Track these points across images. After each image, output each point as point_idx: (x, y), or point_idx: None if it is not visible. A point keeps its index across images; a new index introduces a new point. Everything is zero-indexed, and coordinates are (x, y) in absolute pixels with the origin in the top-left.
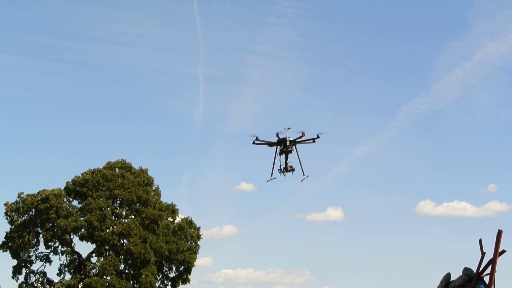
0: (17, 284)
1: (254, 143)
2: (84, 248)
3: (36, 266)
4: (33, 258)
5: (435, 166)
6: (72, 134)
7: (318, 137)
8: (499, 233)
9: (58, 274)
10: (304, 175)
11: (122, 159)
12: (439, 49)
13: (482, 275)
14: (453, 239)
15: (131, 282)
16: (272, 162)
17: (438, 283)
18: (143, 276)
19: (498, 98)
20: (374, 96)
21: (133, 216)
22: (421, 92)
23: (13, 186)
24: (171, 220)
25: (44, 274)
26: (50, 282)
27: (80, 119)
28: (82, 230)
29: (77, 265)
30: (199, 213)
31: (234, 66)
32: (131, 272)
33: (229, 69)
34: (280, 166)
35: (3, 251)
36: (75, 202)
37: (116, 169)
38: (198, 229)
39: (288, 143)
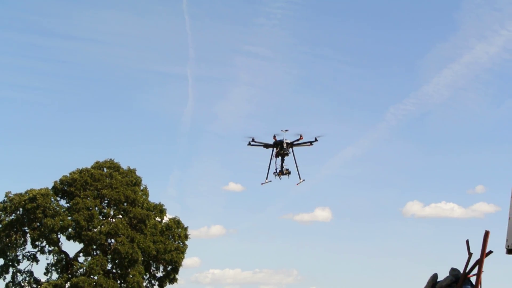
0: (4, 284)
1: (250, 144)
2: (71, 247)
3: (23, 265)
4: (20, 257)
5: (423, 167)
6: (59, 133)
7: (316, 140)
8: (486, 234)
9: (45, 274)
10: (300, 178)
11: (110, 159)
12: (427, 51)
13: (469, 276)
14: (441, 240)
15: (119, 281)
16: (268, 165)
17: (425, 284)
18: (131, 276)
19: (486, 100)
20: (363, 97)
21: (120, 216)
22: (409, 94)
23: (0, 185)
24: (159, 220)
25: (31, 273)
26: (37, 281)
27: (68, 118)
28: (70, 229)
29: (64, 264)
30: (187, 213)
31: (223, 66)
32: (119, 271)
33: (218, 70)
34: (276, 169)
35: None
36: (62, 202)
37: (104, 168)
38: (186, 229)
39: (285, 145)
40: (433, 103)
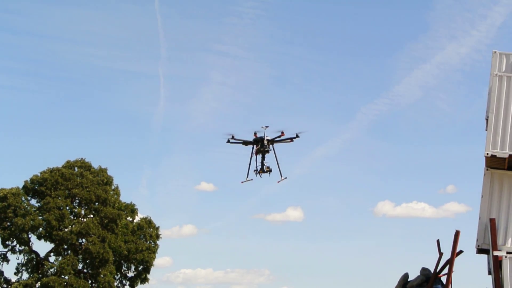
0: None
1: (229, 141)
2: (42, 247)
3: None
4: None
5: (394, 167)
6: (30, 132)
7: (297, 136)
8: (457, 233)
9: (15, 274)
10: (281, 176)
11: (82, 158)
12: (399, 51)
13: (439, 275)
14: (412, 240)
15: (89, 281)
16: (248, 163)
17: (396, 283)
18: (102, 276)
19: (457, 100)
20: (334, 97)
21: (91, 216)
22: (380, 93)
23: None
24: (130, 219)
25: (1, 273)
26: (7, 281)
27: (38, 117)
28: (40, 229)
29: (35, 264)
30: (158, 213)
31: (195, 65)
32: (90, 271)
33: (190, 69)
34: (256, 167)
35: None
36: (33, 201)
37: (75, 168)
38: (157, 228)
39: (265, 142)
40: (404, 103)
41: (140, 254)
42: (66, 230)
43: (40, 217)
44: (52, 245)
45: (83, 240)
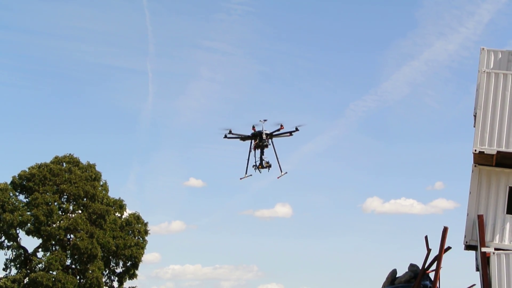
0: None
1: (226, 136)
2: (30, 243)
3: None
4: None
5: (383, 163)
6: (18, 128)
7: (297, 129)
8: (445, 230)
9: (4, 269)
10: (281, 172)
11: (70, 154)
12: (388, 48)
13: (427, 272)
14: (400, 236)
15: (78, 277)
16: (247, 158)
17: (384, 279)
18: (90, 271)
19: (445, 97)
20: (323, 93)
21: (80, 211)
22: (369, 90)
23: None
24: (119, 215)
25: None
26: None
27: (26, 113)
28: (28, 224)
29: (23, 260)
30: (147, 209)
31: (183, 61)
32: (78, 267)
33: (178, 65)
34: (255, 162)
35: None
36: (21, 197)
37: (64, 163)
38: (146, 224)
39: (264, 136)
40: (392, 99)
41: (129, 250)
42: (54, 225)
43: (28, 213)
44: (40, 241)
45: (71, 235)
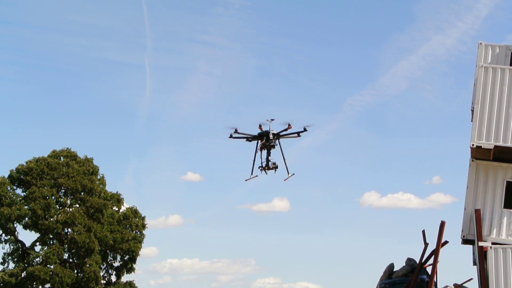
0: None
1: (231, 136)
2: (27, 236)
3: None
4: None
5: (380, 158)
6: (15, 122)
7: (305, 130)
8: (442, 224)
9: (1, 263)
10: (288, 173)
11: (67, 148)
12: (385, 42)
13: (425, 266)
14: (397, 230)
15: (75, 271)
16: (253, 159)
17: (381, 273)
18: (87, 265)
19: (443, 91)
20: (320, 87)
21: (77, 205)
22: (366, 84)
23: None
24: (116, 209)
25: None
26: None
27: (24, 107)
28: (26, 218)
29: (21, 254)
30: (144, 203)
31: (181, 56)
32: (75, 261)
33: (176, 59)
34: (261, 163)
35: None
36: (19, 191)
37: (61, 157)
38: (143, 218)
39: (271, 136)
40: (390, 94)
41: (126, 244)
42: (51, 219)
43: (25, 207)
44: (38, 235)
45: (69, 229)
